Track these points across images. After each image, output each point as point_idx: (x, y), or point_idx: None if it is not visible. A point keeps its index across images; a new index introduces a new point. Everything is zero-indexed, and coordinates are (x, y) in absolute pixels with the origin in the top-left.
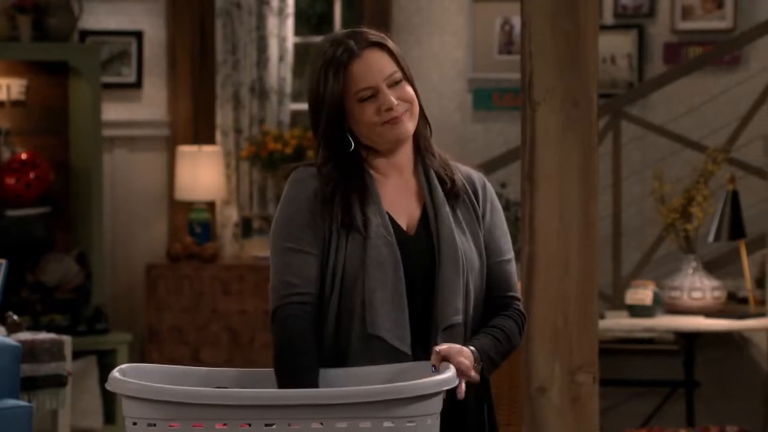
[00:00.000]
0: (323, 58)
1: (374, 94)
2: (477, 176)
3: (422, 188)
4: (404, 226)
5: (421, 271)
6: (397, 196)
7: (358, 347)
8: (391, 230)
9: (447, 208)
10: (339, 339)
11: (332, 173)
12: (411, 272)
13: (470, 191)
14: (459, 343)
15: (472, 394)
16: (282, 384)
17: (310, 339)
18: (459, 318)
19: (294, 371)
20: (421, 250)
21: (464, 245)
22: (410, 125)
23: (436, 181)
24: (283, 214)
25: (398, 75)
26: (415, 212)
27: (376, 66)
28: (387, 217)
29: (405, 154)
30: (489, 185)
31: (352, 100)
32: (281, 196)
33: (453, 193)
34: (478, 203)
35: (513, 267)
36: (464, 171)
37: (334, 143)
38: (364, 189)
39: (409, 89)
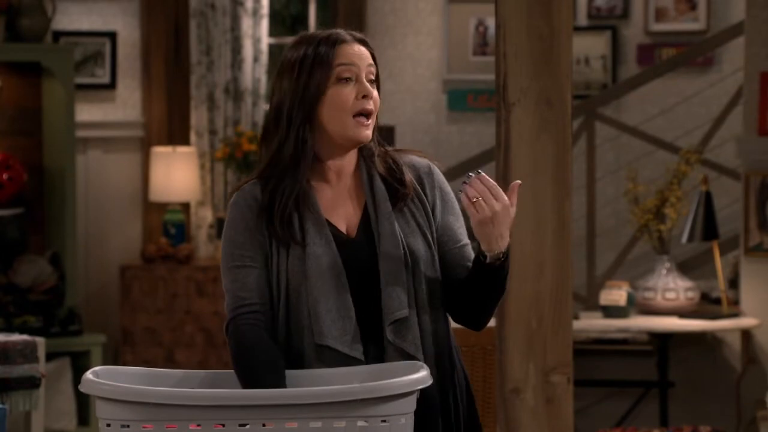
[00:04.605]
0: (310, 42)
1: (354, 78)
2: (422, 164)
3: (363, 189)
4: (344, 230)
5: (365, 272)
6: (337, 201)
7: (311, 357)
8: (331, 238)
9: (388, 205)
10: (292, 349)
11: (272, 184)
12: (355, 275)
13: (417, 184)
14: (411, 338)
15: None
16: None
17: (266, 343)
18: (405, 312)
19: (255, 376)
20: (363, 250)
21: (408, 238)
22: (370, 132)
23: (378, 181)
24: (226, 238)
25: (375, 74)
26: (356, 214)
27: (362, 54)
28: (326, 224)
29: (349, 158)
30: (435, 170)
31: (331, 81)
32: (226, 219)
33: (402, 194)
34: (426, 194)
35: (471, 250)
36: (408, 161)
37: (294, 135)
38: (302, 200)
39: (377, 95)
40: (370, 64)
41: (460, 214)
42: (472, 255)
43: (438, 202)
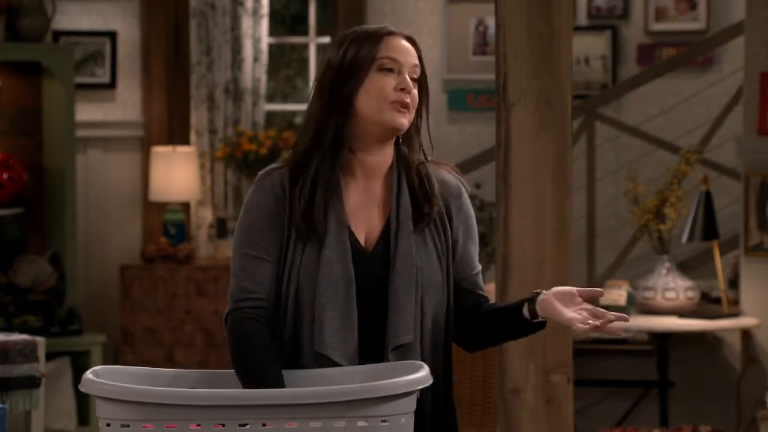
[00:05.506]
0: (354, 31)
1: (396, 70)
2: (452, 185)
3: (391, 200)
4: (362, 241)
5: (375, 289)
6: (362, 206)
7: (308, 362)
8: (348, 246)
9: (410, 224)
10: (294, 350)
11: (302, 171)
12: (364, 289)
13: (443, 206)
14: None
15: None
16: (246, 385)
17: (264, 338)
18: (410, 337)
19: (255, 370)
20: (377, 267)
21: (423, 262)
22: (407, 122)
23: (406, 195)
24: (244, 220)
25: (418, 73)
26: (377, 226)
27: (409, 51)
28: (347, 230)
29: (384, 157)
30: (464, 194)
31: (374, 66)
32: (246, 198)
33: (427, 215)
34: (451, 220)
35: (482, 277)
36: (440, 177)
37: (333, 117)
38: (331, 196)
39: (416, 93)
40: (415, 64)
41: (477, 241)
42: (482, 283)
43: (462, 227)
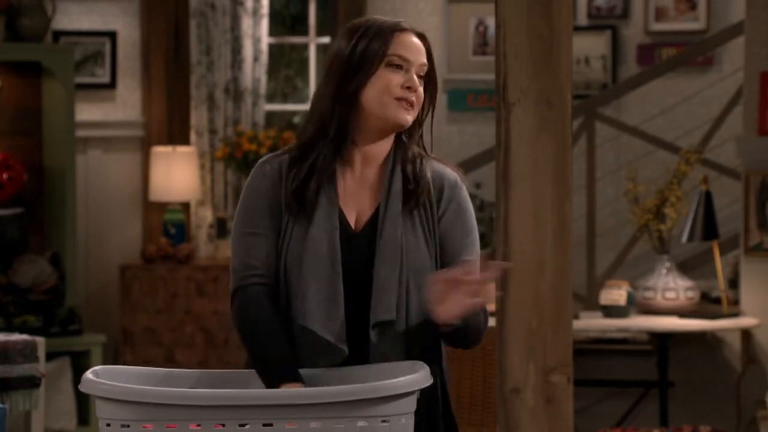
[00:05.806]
0: (366, 23)
1: (404, 67)
2: (450, 176)
3: (383, 185)
4: (352, 223)
5: (361, 269)
6: (355, 191)
7: (297, 336)
8: (337, 225)
9: (399, 207)
10: (288, 324)
11: (302, 160)
12: (350, 269)
13: (435, 190)
14: (394, 343)
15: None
16: (256, 367)
17: (271, 319)
18: (391, 315)
19: (265, 351)
20: (363, 247)
21: (411, 245)
22: (411, 118)
23: (398, 182)
24: (243, 204)
25: (425, 71)
26: (368, 209)
27: (419, 49)
28: (337, 212)
29: (382, 148)
30: (461, 186)
31: (382, 63)
32: (245, 184)
33: (415, 194)
34: (440, 204)
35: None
36: (438, 170)
37: (338, 110)
38: (326, 180)
39: (422, 92)
40: (423, 63)
41: (470, 233)
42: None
43: (449, 214)
